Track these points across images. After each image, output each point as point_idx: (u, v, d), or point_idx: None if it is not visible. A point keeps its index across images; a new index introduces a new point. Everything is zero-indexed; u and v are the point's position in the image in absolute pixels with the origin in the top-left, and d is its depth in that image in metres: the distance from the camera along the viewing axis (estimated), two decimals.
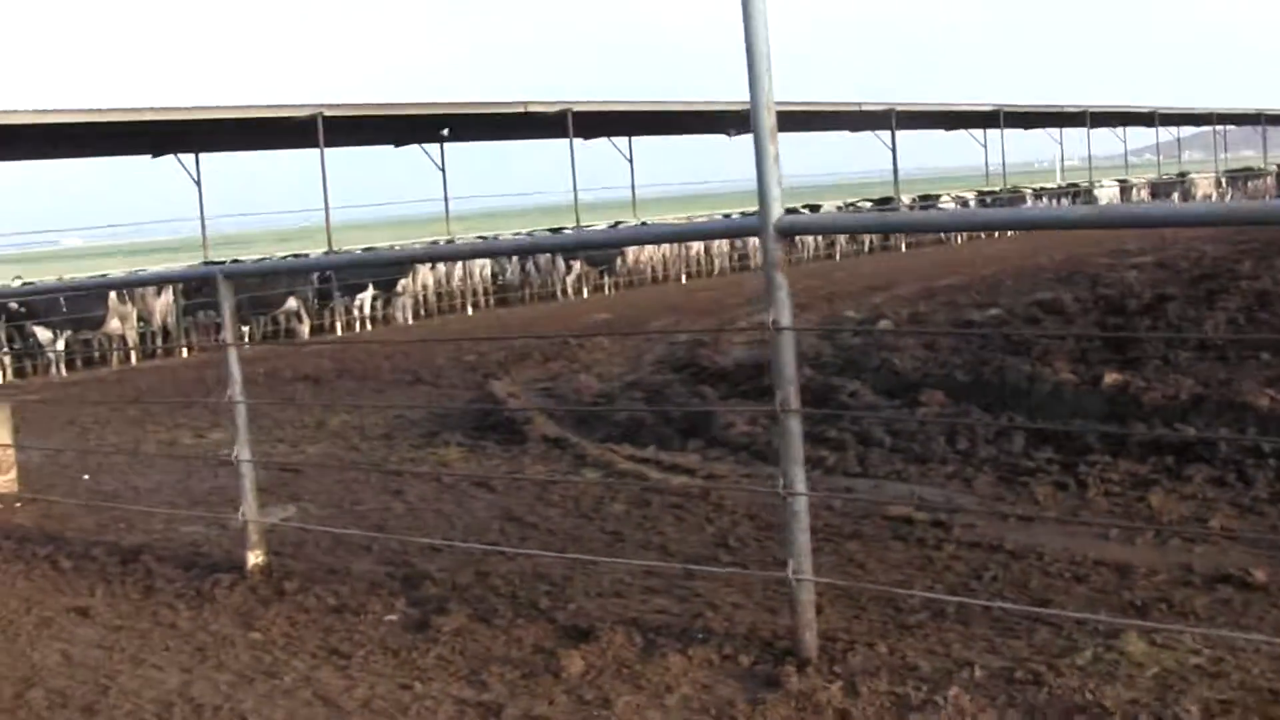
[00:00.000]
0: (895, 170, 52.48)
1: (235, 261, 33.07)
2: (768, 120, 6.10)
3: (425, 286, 35.09)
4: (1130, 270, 25.18)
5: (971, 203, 52.79)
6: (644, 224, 40.05)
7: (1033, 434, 10.97)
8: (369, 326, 32.44)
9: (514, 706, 6.03)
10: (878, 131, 52.11)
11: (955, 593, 7.40)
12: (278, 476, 12.24)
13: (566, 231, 40.08)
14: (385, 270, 32.06)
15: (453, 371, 19.65)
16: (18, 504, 11.94)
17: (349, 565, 8.75)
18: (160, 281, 28.17)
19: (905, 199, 50.04)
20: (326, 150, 33.89)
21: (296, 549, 9.29)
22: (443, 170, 42.53)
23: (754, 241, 8.47)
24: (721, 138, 51.41)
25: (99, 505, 11.48)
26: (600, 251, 36.22)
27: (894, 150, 51.76)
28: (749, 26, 5.96)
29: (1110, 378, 12.42)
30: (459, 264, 35.25)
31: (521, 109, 38.23)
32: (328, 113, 33.26)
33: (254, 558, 8.67)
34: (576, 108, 38.86)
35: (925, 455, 11.05)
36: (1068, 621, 6.59)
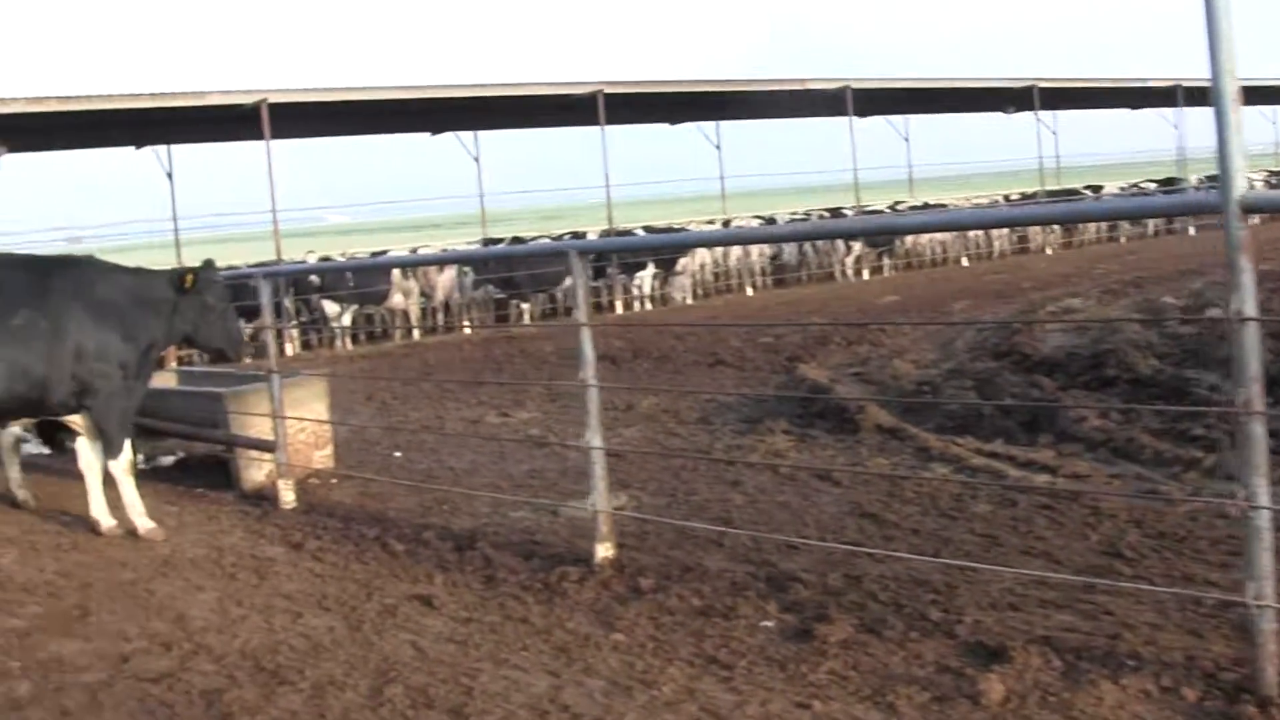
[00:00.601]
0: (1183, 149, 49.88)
1: (516, 239, 33.25)
2: (1229, 86, 5.34)
3: (703, 266, 34.71)
4: None
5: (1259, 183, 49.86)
6: (926, 204, 39.12)
7: None
8: (648, 305, 32.14)
9: None
10: (1160, 109, 49.80)
11: None
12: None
13: (846, 212, 39.36)
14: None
15: (753, 353, 19.10)
16: (333, 480, 11.82)
17: (702, 561, 8.27)
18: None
19: (1193, 179, 47.61)
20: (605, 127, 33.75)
21: (640, 541, 8.85)
22: (718, 148, 42.26)
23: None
24: (999, 115, 49.88)
25: (418, 485, 11.24)
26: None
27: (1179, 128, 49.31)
28: None
29: None
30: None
31: (799, 86, 37.57)
32: (608, 90, 33.14)
33: (603, 550, 8.25)
34: (855, 85, 38.04)
35: None
36: None
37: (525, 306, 30.35)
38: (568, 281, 30.82)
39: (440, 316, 30.21)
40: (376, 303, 28.38)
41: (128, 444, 10.29)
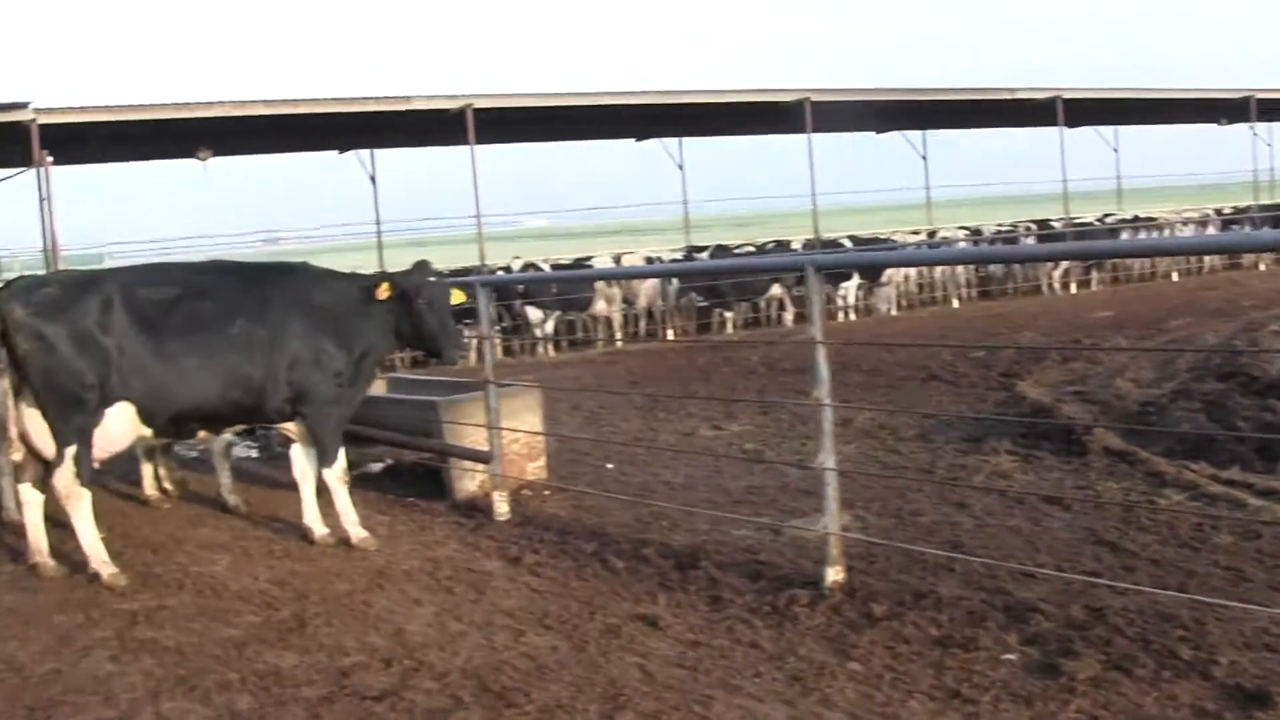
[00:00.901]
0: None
1: (720, 246, 33.06)
2: None
3: (907, 277, 34.16)
4: None
5: None
6: (1136, 217, 38.11)
7: None
8: (851, 316, 31.72)
9: None
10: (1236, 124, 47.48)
11: None
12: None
13: (1054, 225, 38.48)
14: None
15: (965, 368, 18.61)
16: (546, 492, 11.73)
17: (935, 588, 7.97)
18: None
19: None
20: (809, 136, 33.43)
21: (868, 564, 8.57)
22: (924, 157, 41.66)
23: None
24: (1210, 127, 48.25)
25: (633, 499, 11.08)
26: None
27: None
28: None
29: None
30: None
31: (1009, 96, 36.78)
32: (814, 98, 32.80)
33: (833, 573, 8.00)
34: (1066, 94, 37.12)
35: None
36: None
37: (729, 315, 30.12)
38: (774, 290, 30.83)
39: (642, 324, 30.13)
40: (580, 309, 28.40)
41: (342, 452, 10.29)
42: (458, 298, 10.72)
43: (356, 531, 10.14)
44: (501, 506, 10.75)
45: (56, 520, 10.13)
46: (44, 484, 9.88)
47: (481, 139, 29.31)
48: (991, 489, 10.75)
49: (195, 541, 10.75)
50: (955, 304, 33.79)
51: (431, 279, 10.31)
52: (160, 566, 9.91)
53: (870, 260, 23.10)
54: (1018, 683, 6.38)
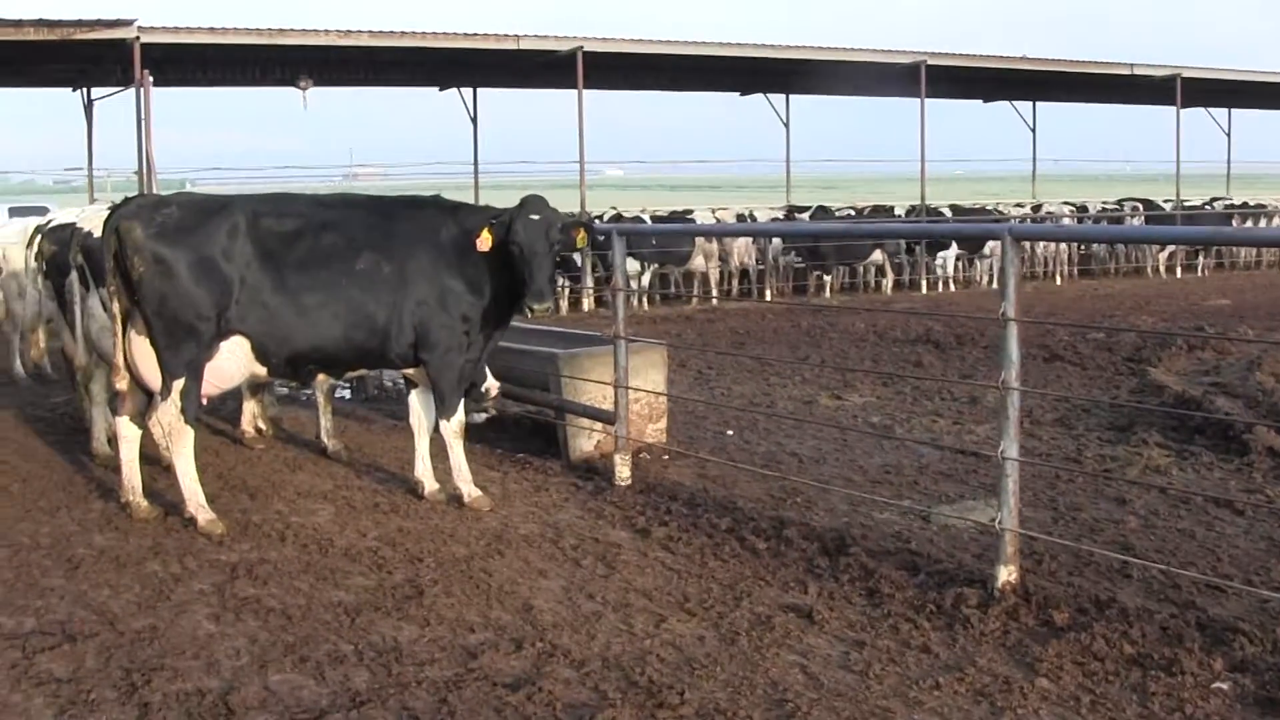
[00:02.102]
0: None
1: (822, 207, 32.21)
2: None
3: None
4: None
5: None
6: (1245, 203, 36.95)
7: None
8: (950, 287, 30.85)
9: None
10: None
11: None
12: (955, 460, 10.83)
13: (1163, 206, 37.37)
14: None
15: (1086, 349, 17.69)
16: (666, 457, 11.02)
17: (1115, 596, 7.20)
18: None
19: None
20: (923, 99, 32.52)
21: (1034, 563, 7.77)
22: (1033, 130, 40.56)
23: None
24: None
25: (760, 471, 10.35)
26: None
27: None
28: None
29: None
30: None
31: (1126, 71, 35.62)
32: (931, 61, 31.87)
33: (1005, 574, 7.24)
34: (1186, 73, 35.93)
35: None
36: None
37: (827, 279, 29.33)
38: (875, 256, 29.99)
39: (735, 282, 29.40)
40: (678, 264, 27.68)
41: (461, 405, 9.60)
42: (582, 240, 9.94)
43: (470, 490, 9.47)
44: (623, 470, 10.05)
45: (147, 456, 9.57)
46: (142, 418, 9.26)
47: (590, 84, 28.57)
48: (1152, 485, 9.92)
49: (294, 488, 10.14)
50: (1058, 281, 32.86)
51: (534, 217, 9.36)
52: (258, 514, 9.30)
53: (1075, 234, 22.08)
54: (1237, 718, 5.62)
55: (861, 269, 30.95)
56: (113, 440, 10.28)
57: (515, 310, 9.63)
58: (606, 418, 10.31)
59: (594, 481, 10.17)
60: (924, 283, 30.74)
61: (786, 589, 7.45)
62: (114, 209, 9.19)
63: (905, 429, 12.37)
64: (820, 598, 7.28)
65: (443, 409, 9.50)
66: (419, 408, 9.79)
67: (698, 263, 27.78)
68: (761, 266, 29.31)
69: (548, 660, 6.36)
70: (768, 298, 28.14)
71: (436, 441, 9.78)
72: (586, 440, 10.96)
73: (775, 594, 7.36)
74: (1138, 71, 35.60)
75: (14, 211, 31.62)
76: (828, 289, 29.26)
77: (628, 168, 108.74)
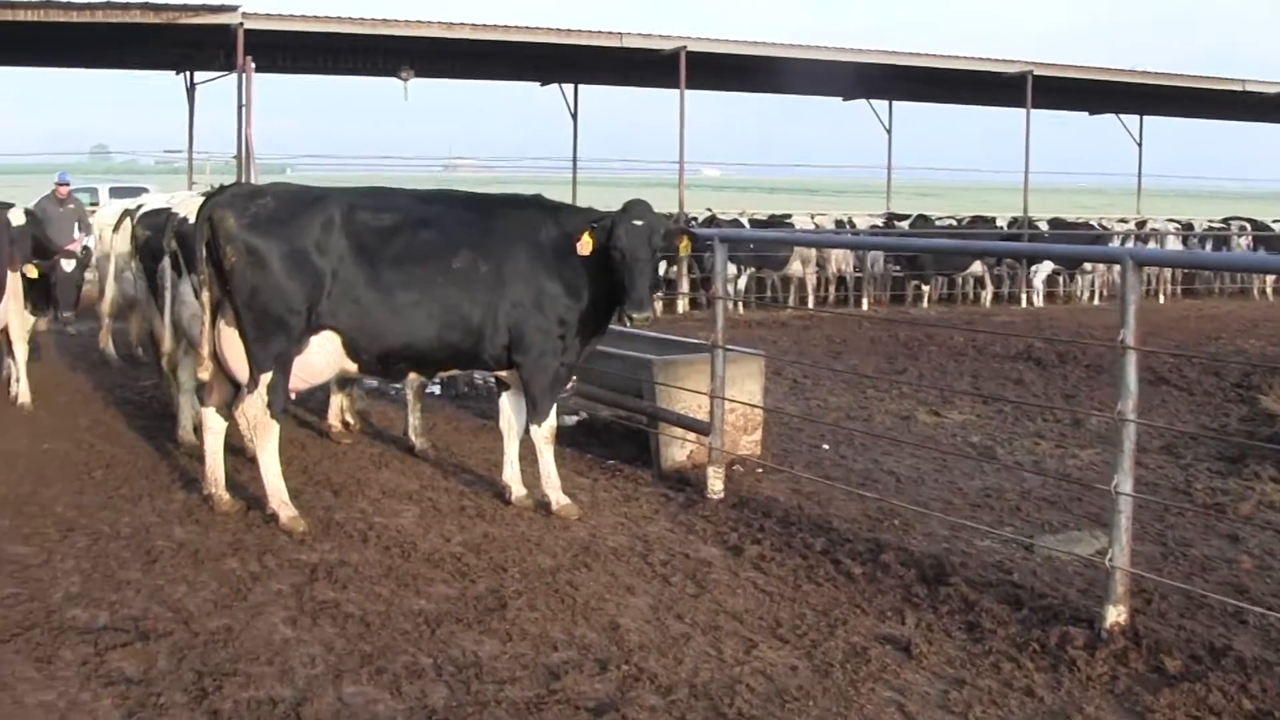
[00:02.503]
0: None
1: (922, 216, 31.78)
2: None
3: (1110, 267, 32.72)
4: None
5: None
6: None
7: None
8: (1038, 302, 30.28)
9: None
10: None
11: None
12: (1059, 487, 10.45)
13: (1272, 225, 36.56)
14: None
15: (1193, 373, 17.18)
16: (759, 469, 10.73)
17: (1230, 643, 6.82)
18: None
19: None
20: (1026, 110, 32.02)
21: (1143, 603, 7.39)
22: (1139, 144, 39.81)
23: None
24: None
25: (857, 490, 10.04)
26: None
27: None
28: None
29: None
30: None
31: (1239, 87, 34.84)
32: (1037, 72, 31.35)
33: (1114, 614, 6.89)
34: None
35: None
36: None
37: (925, 289, 28.95)
38: (974, 267, 29.51)
39: (832, 289, 29.07)
40: (775, 268, 27.35)
41: (553, 410, 9.36)
42: (685, 249, 9.68)
43: (558, 497, 9.24)
44: (716, 483, 9.77)
45: (231, 447, 9.45)
46: (229, 410, 9.10)
47: (689, 84, 28.32)
48: (1269, 525, 9.52)
49: (379, 486, 9.95)
50: (1161, 299, 32.24)
51: (637, 222, 9.05)
52: (341, 513, 9.12)
53: (1195, 261, 21.53)
54: None
55: (960, 280, 30.55)
56: (198, 429, 10.16)
57: (613, 316, 9.35)
58: (701, 428, 10.04)
59: (685, 493, 9.90)
60: (1023, 296, 30.23)
61: (883, 618, 7.15)
62: (209, 197, 9.04)
63: (1007, 450, 12.00)
64: (918, 629, 6.97)
65: (534, 413, 9.26)
66: (510, 410, 9.56)
67: (795, 268, 27.48)
68: (859, 274, 28.95)
69: (633, 685, 6.10)
70: (865, 306, 27.80)
71: (526, 445, 9.55)
72: (679, 449, 10.70)
73: (871, 623, 7.06)
74: (1250, 88, 34.83)
75: (115, 192, 31.83)
76: (925, 299, 28.89)
77: (724, 168, 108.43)
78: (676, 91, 28.41)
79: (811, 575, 7.87)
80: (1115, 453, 6.93)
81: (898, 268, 29.16)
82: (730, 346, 10.03)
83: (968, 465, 11.24)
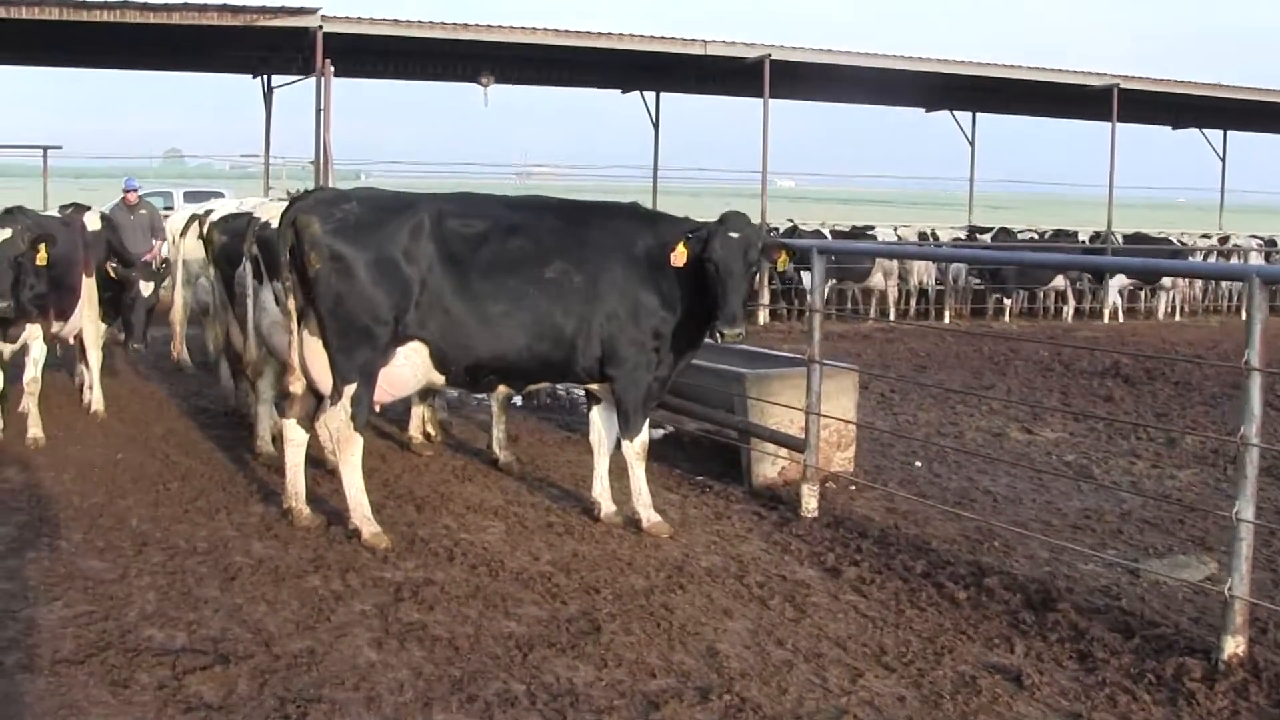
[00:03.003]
0: None
1: (1004, 229, 31.38)
2: None
3: (1191, 282, 32.23)
4: None
5: None
6: None
7: None
8: (1120, 318, 29.77)
9: None
10: None
11: None
12: (1159, 508, 10.12)
13: None
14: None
15: None
16: (852, 487, 10.45)
17: None
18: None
19: None
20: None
21: (1258, 632, 7.06)
22: (1223, 159, 39.13)
23: None
24: None
25: (954, 510, 9.74)
26: None
27: None
28: None
29: None
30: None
31: None
32: (1123, 85, 30.88)
33: (1233, 645, 6.60)
34: None
35: None
36: None
37: (1007, 302, 28.55)
38: (1057, 281, 29.05)
39: (914, 301, 28.74)
40: (857, 280, 27.06)
41: (646, 426, 9.12)
42: (784, 263, 9.39)
43: (649, 515, 9.00)
44: (810, 501, 9.52)
45: (310, 458, 9.28)
46: (310, 421, 8.93)
47: (776, 93, 28.06)
48: None
49: (464, 501, 9.76)
50: (1241, 315, 31.62)
51: (733, 234, 8.78)
52: (425, 529, 8.92)
53: None
54: None
55: (1041, 294, 30.13)
56: (276, 439, 10.02)
57: (707, 331, 9.10)
58: (796, 445, 9.77)
59: (778, 511, 9.65)
60: (1105, 312, 29.75)
61: (991, 646, 6.87)
62: (292, 201, 8.85)
63: (1103, 470, 11.66)
64: (1028, 658, 6.70)
65: (626, 429, 9.03)
66: (600, 425, 9.34)
67: (876, 280, 27.18)
68: (941, 286, 28.61)
69: (735, 715, 5.86)
70: (947, 319, 27.46)
71: (614, 460, 9.33)
72: (770, 466, 10.45)
73: (979, 651, 6.79)
74: None
75: (189, 196, 31.87)
76: (1007, 313, 28.52)
77: (798, 179, 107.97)
78: (756, 100, 28.15)
79: (914, 599, 7.60)
80: (1238, 478, 6.61)
81: (978, 281, 28.80)
82: (826, 362, 9.76)
83: (1065, 485, 10.92)
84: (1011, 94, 33.36)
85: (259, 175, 34.46)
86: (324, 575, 7.77)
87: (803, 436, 9.68)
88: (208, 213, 12.95)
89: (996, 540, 9.01)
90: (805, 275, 24.59)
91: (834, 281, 26.51)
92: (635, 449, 9.04)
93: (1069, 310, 29.71)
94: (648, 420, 9.19)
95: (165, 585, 7.50)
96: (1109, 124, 31.19)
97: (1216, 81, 34.37)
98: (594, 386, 9.20)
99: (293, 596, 7.36)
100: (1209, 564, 8.53)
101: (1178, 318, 31.05)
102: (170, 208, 27.51)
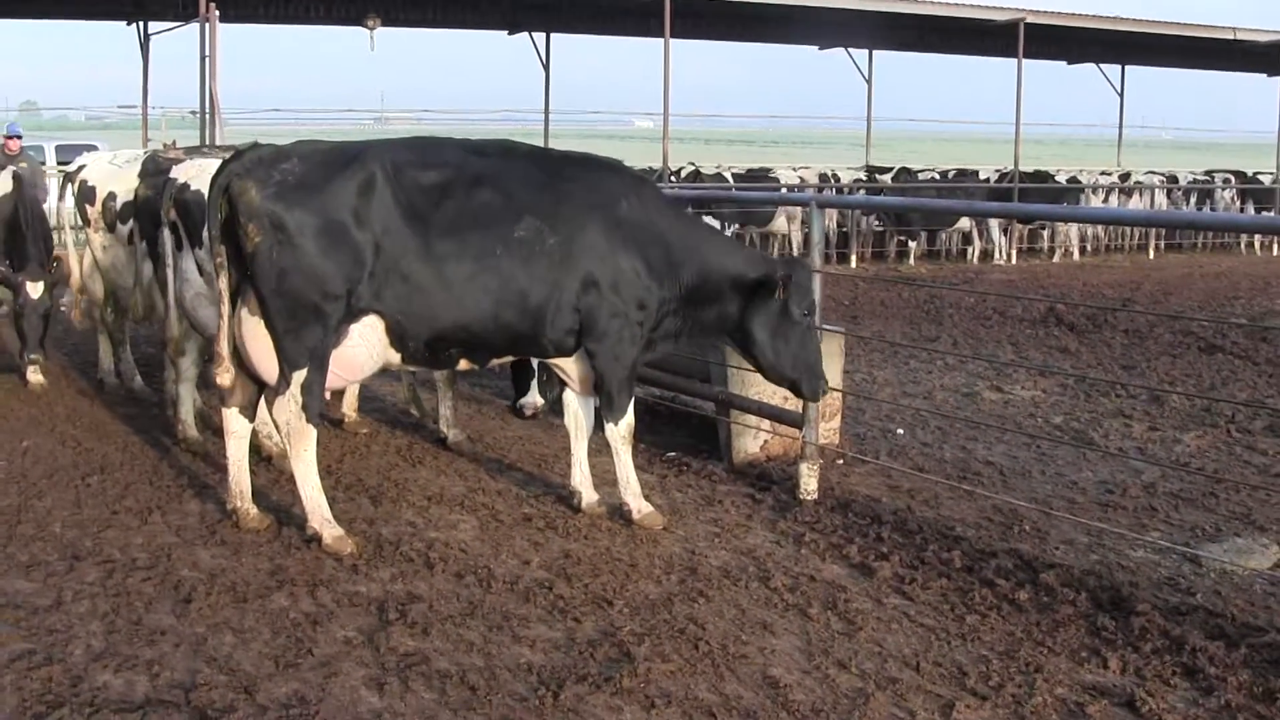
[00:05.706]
0: None
1: (904, 169, 30.74)
2: None
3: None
4: None
5: None
6: None
7: None
8: (1011, 260, 29.20)
9: None
10: None
11: None
12: (1181, 479, 9.33)
13: (1263, 179, 35.86)
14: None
15: (1240, 339, 16.07)
16: (839, 461, 9.51)
17: None
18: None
19: None
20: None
21: None
22: (1120, 94, 38.81)
23: None
24: None
25: (964, 488, 8.86)
26: None
27: None
28: None
29: None
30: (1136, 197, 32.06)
31: (1230, 35, 33.91)
32: (1029, 19, 30.26)
33: None
34: None
35: None
36: None
37: (912, 245, 27.89)
38: (961, 223, 28.43)
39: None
40: (759, 224, 26.21)
41: (631, 406, 8.07)
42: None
43: (640, 505, 7.99)
44: (810, 482, 8.55)
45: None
46: (253, 411, 7.80)
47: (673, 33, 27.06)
48: None
49: (420, 490, 8.70)
50: (1151, 255, 31.47)
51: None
52: (387, 527, 7.85)
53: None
54: None
55: (943, 235, 29.54)
56: (200, 423, 8.93)
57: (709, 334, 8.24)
58: (792, 419, 8.80)
59: (772, 493, 8.67)
60: (1013, 254, 29.21)
61: (1079, 660, 5.95)
62: (223, 164, 7.58)
63: (1100, 434, 10.83)
64: (1128, 675, 5.80)
65: (609, 411, 7.98)
66: (577, 407, 8.26)
67: (779, 224, 26.40)
68: (844, 229, 27.87)
69: None
70: (853, 263, 26.76)
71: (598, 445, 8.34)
72: (752, 440, 9.49)
73: (1068, 668, 5.86)
74: (1241, 37, 33.91)
75: (61, 150, 30.14)
76: (911, 256, 27.88)
77: (657, 119, 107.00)
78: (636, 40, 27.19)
79: (968, 603, 6.66)
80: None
81: (879, 223, 28.13)
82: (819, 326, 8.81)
83: (1067, 453, 10.08)
84: (914, 28, 32.68)
85: (123, 126, 32.67)
86: (290, 592, 6.65)
87: (793, 409, 8.72)
88: (79, 169, 11.59)
89: (1025, 523, 8.12)
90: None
91: (736, 227, 25.61)
92: (621, 432, 8.01)
93: (974, 251, 29.11)
94: (632, 400, 8.15)
95: (109, 612, 6.30)
96: (1011, 60, 30.65)
97: (1115, 14, 33.89)
98: (566, 365, 8.10)
99: (261, 622, 6.22)
100: (1272, 547, 7.72)
101: (1076, 257, 30.51)
102: (43, 163, 25.76)
